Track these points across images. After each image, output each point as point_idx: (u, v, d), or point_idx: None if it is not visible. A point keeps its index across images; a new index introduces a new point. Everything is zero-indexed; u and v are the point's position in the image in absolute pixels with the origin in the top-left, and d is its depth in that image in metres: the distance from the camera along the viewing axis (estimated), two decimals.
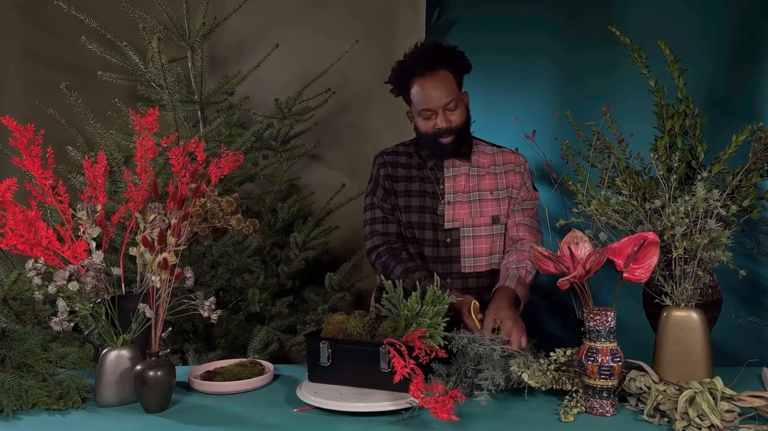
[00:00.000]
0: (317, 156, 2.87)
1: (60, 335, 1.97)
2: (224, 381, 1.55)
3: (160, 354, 1.43)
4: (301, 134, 2.74)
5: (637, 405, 1.39)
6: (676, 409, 1.27)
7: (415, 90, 1.84)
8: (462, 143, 1.90)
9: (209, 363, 1.69)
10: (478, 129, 3.11)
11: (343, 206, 2.70)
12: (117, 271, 1.50)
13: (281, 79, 2.71)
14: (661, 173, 1.54)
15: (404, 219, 1.92)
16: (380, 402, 1.35)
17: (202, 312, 1.48)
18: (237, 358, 1.74)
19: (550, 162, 1.86)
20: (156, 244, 1.43)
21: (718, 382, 1.33)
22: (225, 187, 2.41)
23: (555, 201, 2.05)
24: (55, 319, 1.39)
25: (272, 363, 1.71)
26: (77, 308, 1.41)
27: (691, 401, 1.27)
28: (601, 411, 1.34)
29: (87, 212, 1.51)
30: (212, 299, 1.50)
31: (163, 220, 1.53)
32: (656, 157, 1.60)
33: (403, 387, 1.32)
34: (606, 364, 1.33)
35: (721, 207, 1.41)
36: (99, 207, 1.54)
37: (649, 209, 1.50)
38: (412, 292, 1.50)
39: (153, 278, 1.41)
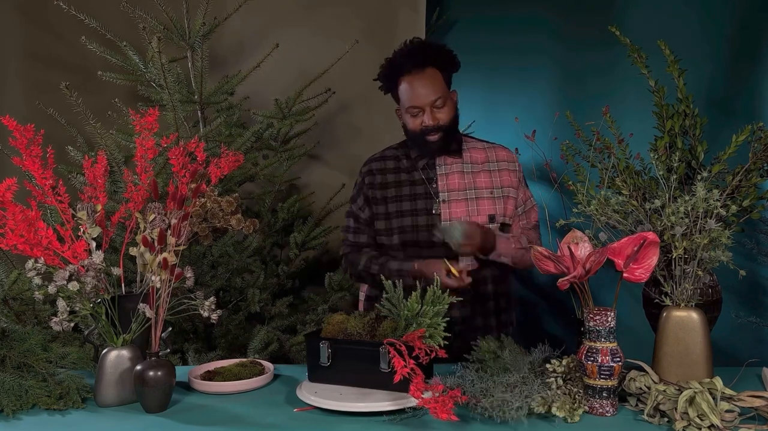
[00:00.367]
0: (317, 156, 2.87)
1: (60, 335, 1.97)
2: (224, 381, 1.55)
3: (160, 354, 1.43)
4: (301, 134, 2.74)
5: (637, 405, 1.39)
6: (676, 409, 1.27)
7: (403, 87, 1.84)
8: (450, 141, 1.90)
9: (209, 363, 1.69)
10: (478, 129, 3.11)
11: (343, 206, 2.70)
12: (117, 271, 1.50)
13: (281, 79, 2.72)
14: (661, 173, 1.54)
15: (397, 224, 1.91)
16: (380, 402, 1.35)
17: (202, 312, 1.48)
18: (237, 358, 1.74)
19: (550, 162, 1.86)
20: (156, 244, 1.43)
21: (718, 382, 1.33)
22: (225, 187, 2.41)
23: (555, 201, 2.05)
24: (55, 319, 1.39)
25: (272, 363, 1.71)
26: (77, 308, 1.41)
27: (691, 401, 1.27)
28: (601, 411, 1.34)
29: (87, 212, 1.51)
30: (212, 299, 1.50)
31: (163, 220, 1.53)
32: (656, 157, 1.60)
33: (403, 387, 1.32)
34: (606, 364, 1.33)
35: (721, 207, 1.41)
36: (99, 207, 1.54)
37: (649, 209, 1.50)
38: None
39: (153, 278, 1.41)
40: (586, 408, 1.35)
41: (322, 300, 2.62)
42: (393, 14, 2.80)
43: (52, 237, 1.47)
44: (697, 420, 1.24)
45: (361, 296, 2.05)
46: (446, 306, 1.48)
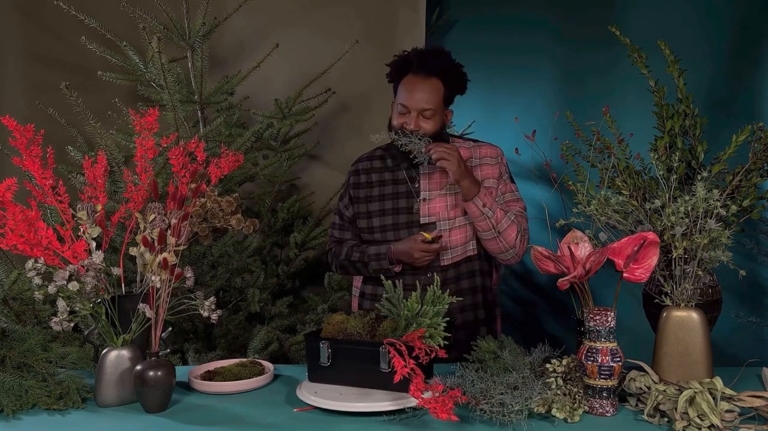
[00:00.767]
0: (317, 156, 2.87)
1: (60, 335, 1.97)
2: (224, 381, 1.55)
3: (160, 354, 1.43)
4: (301, 134, 2.74)
5: (637, 405, 1.39)
6: (676, 409, 1.27)
7: (402, 83, 1.86)
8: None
9: (209, 363, 1.68)
10: (478, 129, 3.12)
11: None
12: (117, 271, 1.50)
13: (281, 79, 2.72)
14: (661, 173, 1.54)
15: (378, 223, 1.94)
16: (380, 402, 1.35)
17: (202, 312, 1.48)
18: (237, 358, 1.74)
19: (550, 162, 1.86)
20: (156, 244, 1.43)
21: (718, 382, 1.33)
22: (225, 187, 2.41)
23: (555, 201, 2.05)
24: (55, 319, 1.39)
25: (272, 363, 1.71)
26: (77, 308, 1.41)
27: (691, 401, 1.27)
28: (601, 411, 1.34)
29: (87, 212, 1.51)
30: (212, 299, 1.50)
31: (163, 220, 1.53)
32: (656, 157, 1.60)
33: (403, 387, 1.32)
34: (606, 364, 1.33)
35: (721, 207, 1.41)
36: (99, 207, 1.54)
37: (649, 209, 1.50)
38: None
39: (153, 278, 1.41)
40: (586, 408, 1.35)
41: (322, 300, 2.62)
42: (393, 14, 2.80)
43: (52, 237, 1.47)
44: (697, 420, 1.24)
45: (355, 291, 2.06)
46: (446, 306, 1.48)
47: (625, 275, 1.39)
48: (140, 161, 1.58)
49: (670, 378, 1.43)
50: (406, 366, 1.31)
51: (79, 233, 1.51)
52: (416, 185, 1.93)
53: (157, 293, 1.42)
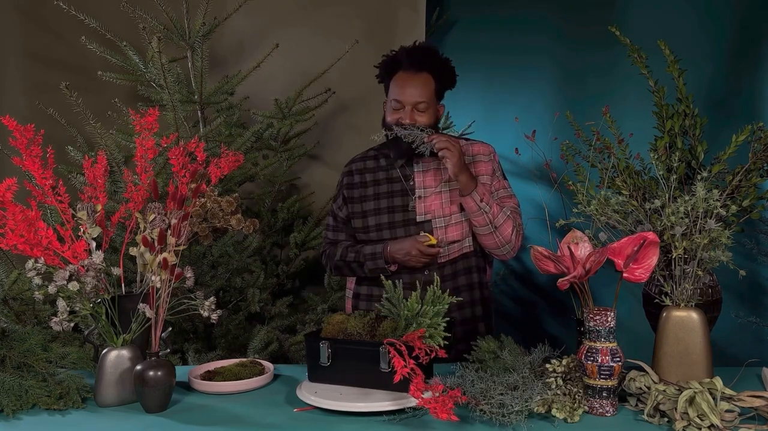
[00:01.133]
0: (317, 156, 2.87)
1: (60, 335, 1.97)
2: (224, 381, 1.55)
3: (160, 354, 1.43)
4: (301, 134, 2.74)
5: (637, 405, 1.39)
6: (676, 409, 1.27)
7: (393, 81, 1.89)
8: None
9: (209, 363, 1.68)
10: (478, 129, 3.10)
11: None
12: (117, 271, 1.50)
13: (281, 79, 2.72)
14: (661, 173, 1.54)
15: (373, 222, 1.94)
16: (380, 402, 1.35)
17: (202, 312, 1.48)
18: (237, 358, 1.74)
19: (550, 162, 1.86)
20: (156, 244, 1.43)
21: (718, 382, 1.33)
22: (225, 187, 2.41)
23: (555, 201, 2.05)
24: (55, 319, 1.39)
25: (272, 363, 1.71)
26: (77, 308, 1.41)
27: (691, 401, 1.27)
28: (601, 411, 1.34)
29: (87, 212, 1.51)
30: (212, 299, 1.50)
31: (163, 220, 1.53)
32: (656, 157, 1.60)
33: (403, 387, 1.32)
34: (606, 364, 1.33)
35: (721, 207, 1.41)
36: (99, 207, 1.54)
37: (649, 209, 1.50)
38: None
39: (153, 278, 1.41)
40: (586, 408, 1.35)
41: (322, 300, 2.62)
42: (393, 14, 2.80)
43: (52, 237, 1.47)
44: (697, 420, 1.24)
45: (348, 293, 2.07)
46: (446, 306, 1.48)
47: (625, 275, 1.39)
48: (140, 161, 1.58)
49: (670, 378, 1.43)
50: (406, 366, 1.31)
51: (79, 233, 1.51)
52: (411, 183, 1.93)
53: (157, 293, 1.42)
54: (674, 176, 1.49)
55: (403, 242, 1.84)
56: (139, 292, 1.52)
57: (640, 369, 1.44)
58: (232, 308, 2.46)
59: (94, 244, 1.50)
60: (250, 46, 2.73)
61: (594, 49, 2.65)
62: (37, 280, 1.44)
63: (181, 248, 1.48)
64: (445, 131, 3.04)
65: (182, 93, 2.44)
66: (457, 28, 3.12)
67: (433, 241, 1.80)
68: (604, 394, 1.34)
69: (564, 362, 1.42)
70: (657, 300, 1.52)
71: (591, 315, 1.35)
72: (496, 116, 2.99)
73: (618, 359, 1.34)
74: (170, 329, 1.54)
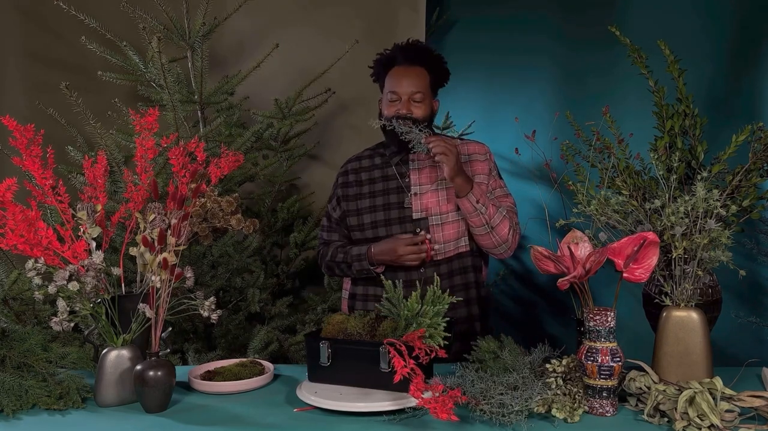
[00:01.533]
0: (317, 156, 2.87)
1: (60, 335, 1.97)
2: (224, 381, 1.55)
3: (160, 354, 1.43)
4: (301, 134, 2.74)
5: (637, 405, 1.39)
6: (676, 409, 1.27)
7: (389, 76, 1.92)
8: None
9: (209, 363, 1.69)
10: (478, 129, 3.10)
11: None
12: (117, 271, 1.50)
13: (281, 79, 2.72)
14: (661, 173, 1.54)
15: (369, 220, 1.95)
16: (380, 402, 1.35)
17: (202, 312, 1.48)
18: (237, 358, 1.74)
19: (550, 162, 1.86)
20: (156, 244, 1.43)
21: (718, 382, 1.33)
22: (225, 187, 2.41)
23: (555, 201, 2.05)
24: (55, 319, 1.39)
25: (272, 363, 1.71)
26: (77, 308, 1.41)
27: (691, 401, 1.27)
28: (601, 411, 1.34)
29: (87, 212, 1.51)
30: (212, 299, 1.50)
31: (163, 220, 1.53)
32: (656, 157, 1.60)
33: (403, 387, 1.32)
34: (606, 364, 1.33)
35: (721, 207, 1.41)
36: (99, 207, 1.54)
37: (649, 209, 1.50)
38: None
39: (153, 278, 1.41)
40: (586, 408, 1.35)
41: (322, 300, 2.62)
42: (393, 14, 2.80)
43: (52, 237, 1.47)
44: (697, 420, 1.24)
45: (344, 293, 2.08)
46: (446, 306, 1.48)
47: (625, 275, 1.39)
48: (140, 161, 1.58)
49: (670, 378, 1.43)
50: (406, 366, 1.31)
51: (79, 233, 1.51)
52: (407, 180, 1.95)
53: (157, 293, 1.42)
54: (674, 176, 1.49)
55: (387, 243, 1.86)
56: (139, 292, 1.52)
57: (640, 369, 1.44)
58: (232, 308, 2.46)
59: (94, 244, 1.50)
60: (250, 46, 2.73)
61: (594, 49, 2.65)
62: (37, 280, 1.44)
63: (181, 248, 1.48)
64: (445, 131, 3.05)
65: (182, 93, 2.44)
66: (457, 28, 3.12)
67: (426, 239, 1.82)
68: (604, 394, 1.34)
69: (564, 362, 1.42)
70: (657, 300, 1.52)
71: (591, 315, 1.35)
72: (496, 116, 2.99)
73: (618, 359, 1.34)
74: (170, 329, 1.54)
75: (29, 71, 2.67)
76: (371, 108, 2.80)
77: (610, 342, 1.34)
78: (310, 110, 2.66)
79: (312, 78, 2.60)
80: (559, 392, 1.35)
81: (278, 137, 2.66)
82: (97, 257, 1.44)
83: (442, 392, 1.26)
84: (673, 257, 1.45)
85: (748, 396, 1.32)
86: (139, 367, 1.40)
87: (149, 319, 1.41)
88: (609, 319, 1.34)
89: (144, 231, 1.50)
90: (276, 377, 1.65)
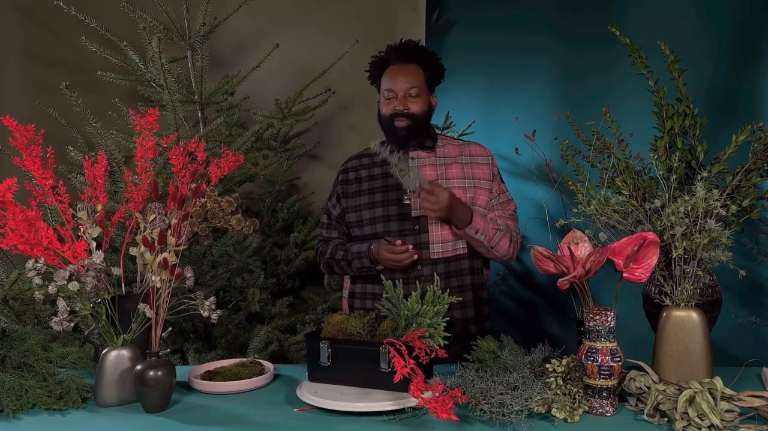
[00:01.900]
0: (317, 156, 2.87)
1: (60, 335, 1.97)
2: (224, 381, 1.56)
3: (160, 354, 1.43)
4: (301, 134, 2.75)
5: (637, 405, 1.39)
6: (676, 409, 1.27)
7: (385, 75, 1.95)
8: (418, 132, 1.95)
9: (209, 363, 1.69)
10: (478, 129, 3.11)
11: None
12: (117, 271, 1.50)
13: (281, 79, 2.72)
14: (661, 173, 1.54)
15: (368, 216, 1.96)
16: (380, 401, 1.35)
17: (202, 312, 1.48)
18: (237, 358, 1.74)
19: (550, 162, 1.86)
20: (156, 244, 1.43)
21: (718, 382, 1.33)
22: (225, 187, 2.41)
23: (555, 201, 2.05)
24: (55, 319, 1.39)
25: (272, 362, 1.71)
26: (77, 308, 1.41)
27: (691, 401, 1.27)
28: (601, 410, 1.34)
29: (87, 212, 1.51)
30: (212, 299, 1.50)
31: (163, 220, 1.53)
32: (656, 157, 1.60)
33: (403, 387, 1.32)
34: (606, 364, 1.33)
35: (721, 207, 1.41)
36: (99, 207, 1.54)
37: (649, 209, 1.50)
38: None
39: (153, 278, 1.41)
40: (586, 408, 1.35)
41: (322, 300, 2.62)
42: (393, 14, 2.80)
43: (52, 237, 1.47)
44: (697, 420, 1.24)
45: (345, 293, 2.08)
46: (446, 306, 1.48)
47: (625, 275, 1.39)
48: (140, 161, 1.58)
49: (670, 378, 1.43)
50: (406, 366, 1.31)
51: (79, 233, 1.51)
52: None
53: (157, 293, 1.42)
54: (674, 176, 1.49)
55: (377, 244, 1.86)
56: (139, 292, 1.52)
57: (640, 368, 1.44)
58: (232, 308, 2.46)
59: (94, 244, 1.50)
60: (250, 46, 2.72)
61: (594, 48, 2.65)
62: (37, 280, 1.44)
63: (181, 248, 1.48)
64: (445, 131, 3.05)
65: (182, 93, 2.44)
66: (457, 28, 3.12)
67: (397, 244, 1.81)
68: (604, 394, 1.34)
69: (564, 362, 1.42)
70: (657, 300, 1.52)
71: (591, 315, 1.35)
72: (496, 116, 2.99)
73: (618, 359, 1.34)
74: (170, 329, 1.54)
75: (29, 71, 2.67)
76: (371, 108, 2.80)
77: (610, 342, 1.34)
78: (310, 109, 2.66)
79: (312, 78, 2.60)
80: (559, 392, 1.35)
81: (278, 137, 2.66)
82: (97, 257, 1.44)
83: (442, 392, 1.26)
84: (673, 257, 1.45)
85: (748, 396, 1.32)
86: (139, 367, 1.40)
87: (149, 319, 1.41)
88: (609, 319, 1.34)
89: (144, 231, 1.50)
90: (276, 377, 1.65)
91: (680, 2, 2.50)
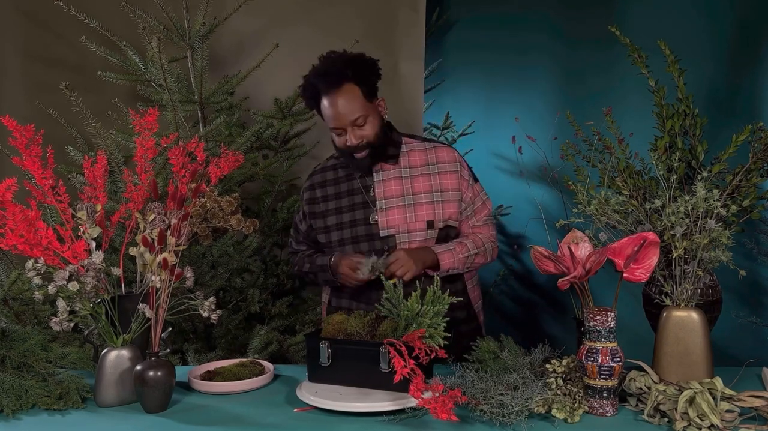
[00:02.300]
0: (317, 156, 2.86)
1: (60, 335, 1.97)
2: (224, 381, 1.56)
3: (160, 354, 1.43)
4: (301, 134, 2.74)
5: (637, 405, 1.39)
6: (676, 409, 1.27)
7: (323, 107, 1.81)
8: (380, 153, 1.86)
9: (209, 363, 1.69)
10: (478, 129, 3.11)
11: None
12: (117, 271, 1.50)
13: (281, 79, 2.71)
14: (661, 173, 1.54)
15: (336, 237, 1.90)
16: (380, 402, 1.36)
17: (202, 312, 1.48)
18: (237, 358, 1.74)
19: (551, 162, 1.86)
20: (156, 244, 1.43)
21: (718, 382, 1.33)
22: (225, 187, 2.41)
23: (555, 201, 2.05)
24: (55, 319, 1.39)
25: (272, 363, 1.71)
26: (77, 308, 1.41)
27: (691, 401, 1.27)
28: (601, 411, 1.34)
29: (87, 212, 1.51)
30: (212, 299, 1.50)
31: (163, 220, 1.53)
32: (656, 157, 1.60)
33: (403, 387, 1.32)
34: (606, 364, 1.33)
35: (721, 207, 1.41)
36: (99, 207, 1.54)
37: (649, 209, 1.50)
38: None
39: (153, 278, 1.41)
40: (586, 408, 1.35)
41: (322, 301, 2.62)
42: (393, 14, 2.80)
43: (52, 237, 1.47)
44: (697, 420, 1.24)
45: (324, 298, 2.07)
46: (446, 306, 1.48)
47: (625, 275, 1.39)
48: (140, 161, 1.58)
49: (670, 378, 1.43)
50: (406, 366, 1.31)
51: (79, 233, 1.51)
52: (371, 194, 1.89)
53: (157, 293, 1.42)
54: (674, 176, 1.49)
55: (342, 257, 1.81)
56: (139, 292, 1.52)
57: (640, 369, 1.44)
58: (232, 308, 2.46)
59: (94, 244, 1.50)
60: (250, 46, 2.72)
61: (594, 48, 2.65)
62: (37, 280, 1.44)
63: (181, 248, 1.48)
64: (445, 131, 3.05)
65: (182, 93, 2.44)
66: (457, 28, 3.12)
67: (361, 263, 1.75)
68: (604, 394, 1.34)
69: (564, 362, 1.42)
70: (657, 300, 1.52)
71: (591, 315, 1.35)
72: (496, 116, 2.99)
73: (618, 359, 1.34)
74: (170, 329, 1.54)
75: (29, 71, 2.66)
76: None
77: (610, 342, 1.34)
78: (309, 109, 2.66)
79: None
80: (559, 392, 1.35)
81: (278, 137, 2.66)
82: (97, 257, 1.44)
83: (442, 392, 1.26)
84: (673, 257, 1.45)
85: (748, 396, 1.32)
86: (139, 367, 1.40)
87: (149, 319, 1.41)
88: (609, 319, 1.34)
89: (144, 231, 1.50)
90: (276, 377, 1.65)
91: (680, 2, 2.50)
